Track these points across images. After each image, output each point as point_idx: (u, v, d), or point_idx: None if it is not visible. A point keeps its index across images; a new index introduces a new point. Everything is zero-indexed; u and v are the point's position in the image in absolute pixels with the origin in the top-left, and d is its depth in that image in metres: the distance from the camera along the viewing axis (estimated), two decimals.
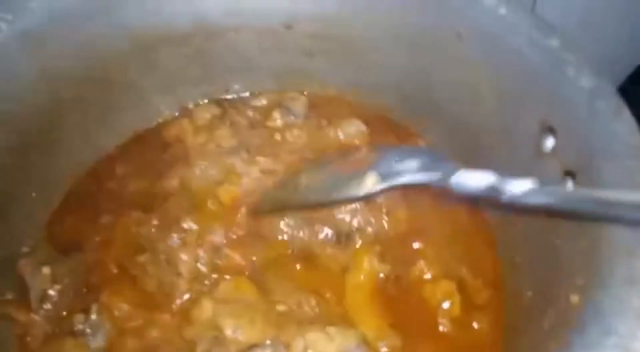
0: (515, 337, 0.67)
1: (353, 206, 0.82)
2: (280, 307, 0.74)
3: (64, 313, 0.71)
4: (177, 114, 0.94)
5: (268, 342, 0.68)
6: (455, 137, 0.81)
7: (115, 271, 0.76)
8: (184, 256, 0.75)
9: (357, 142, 0.94)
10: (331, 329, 0.70)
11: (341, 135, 0.93)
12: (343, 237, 0.81)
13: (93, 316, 0.71)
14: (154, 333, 0.71)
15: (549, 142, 0.63)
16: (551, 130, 0.62)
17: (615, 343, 0.41)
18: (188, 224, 0.77)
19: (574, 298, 0.50)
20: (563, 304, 0.53)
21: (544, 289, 0.61)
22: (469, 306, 0.75)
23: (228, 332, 0.68)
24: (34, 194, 0.80)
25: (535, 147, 0.65)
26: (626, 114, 0.54)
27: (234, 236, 0.79)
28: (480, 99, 0.76)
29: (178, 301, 0.74)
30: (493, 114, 0.75)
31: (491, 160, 0.74)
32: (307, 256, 0.80)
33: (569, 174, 0.59)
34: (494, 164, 0.72)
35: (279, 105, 0.93)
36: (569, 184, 0.59)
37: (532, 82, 0.65)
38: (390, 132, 0.96)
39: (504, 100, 0.72)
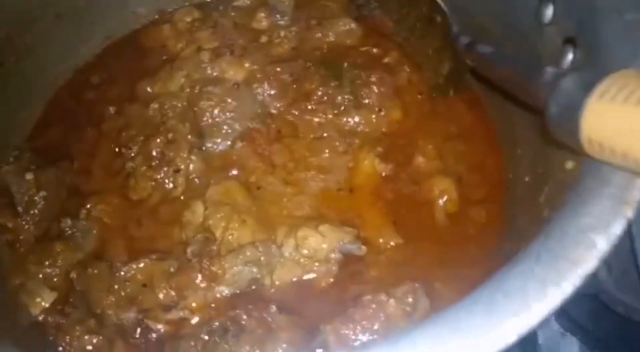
0: (513, 224, 0.65)
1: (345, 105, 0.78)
2: (273, 209, 0.73)
3: (52, 219, 0.71)
4: (156, 17, 0.90)
5: (259, 242, 0.67)
6: (455, 15, 0.75)
7: (101, 178, 0.75)
8: (174, 153, 0.73)
9: (348, 43, 0.89)
10: (323, 227, 0.69)
11: (332, 36, 0.88)
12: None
13: (82, 221, 0.70)
14: (142, 238, 0.70)
15: (549, 11, 0.58)
16: None
17: (610, 193, 0.38)
18: (176, 124, 0.75)
19: (569, 164, 0.48)
20: (559, 175, 0.50)
21: (541, 169, 0.58)
22: (466, 201, 0.73)
23: (218, 233, 0.67)
24: (13, 104, 0.77)
25: (536, 19, 0.60)
26: None
27: None
28: None
29: (169, 203, 0.73)
30: None
31: (491, 36, 0.70)
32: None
33: (570, 41, 0.54)
34: (494, 40, 0.69)
35: (263, 4, 0.88)
36: (570, 54, 0.55)
37: None
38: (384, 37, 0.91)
39: None
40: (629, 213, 0.37)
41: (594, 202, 0.38)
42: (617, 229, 0.36)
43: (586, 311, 0.85)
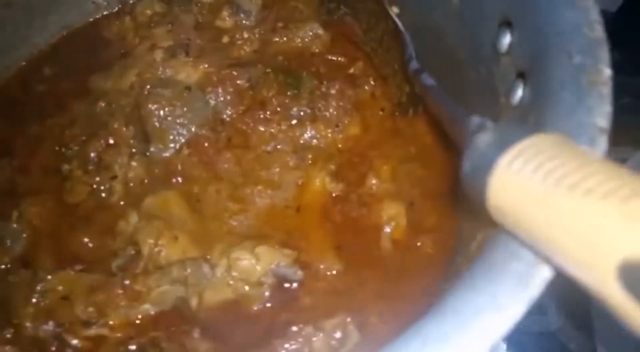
0: (452, 264, 0.61)
1: (301, 117, 0.74)
2: (212, 225, 0.69)
3: None
4: (116, 9, 0.86)
5: (189, 261, 0.64)
6: (418, 40, 0.70)
7: (39, 178, 0.72)
8: (112, 159, 0.70)
9: (315, 49, 0.84)
10: (260, 248, 0.65)
11: (297, 41, 0.83)
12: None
13: (13, 224, 0.68)
14: (72, 246, 0.67)
15: (505, 40, 0.53)
16: (508, 24, 0.53)
17: (517, 270, 0.34)
18: (119, 127, 0.72)
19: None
20: (490, 228, 0.46)
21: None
22: (416, 229, 0.69)
23: (145, 249, 0.64)
24: None
25: (493, 47, 0.56)
26: (587, 1, 0.44)
27: None
28: None
29: (106, 210, 0.70)
30: (456, 12, 0.65)
31: (456, 60, 0.65)
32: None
33: (521, 75, 0.50)
34: (454, 68, 0.64)
35: (229, 1, 0.83)
36: (520, 89, 0.51)
37: None
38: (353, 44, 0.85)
39: None
40: (534, 294, 0.33)
41: (497, 278, 0.34)
42: (517, 312, 0.32)
43: (540, 347, 0.82)
